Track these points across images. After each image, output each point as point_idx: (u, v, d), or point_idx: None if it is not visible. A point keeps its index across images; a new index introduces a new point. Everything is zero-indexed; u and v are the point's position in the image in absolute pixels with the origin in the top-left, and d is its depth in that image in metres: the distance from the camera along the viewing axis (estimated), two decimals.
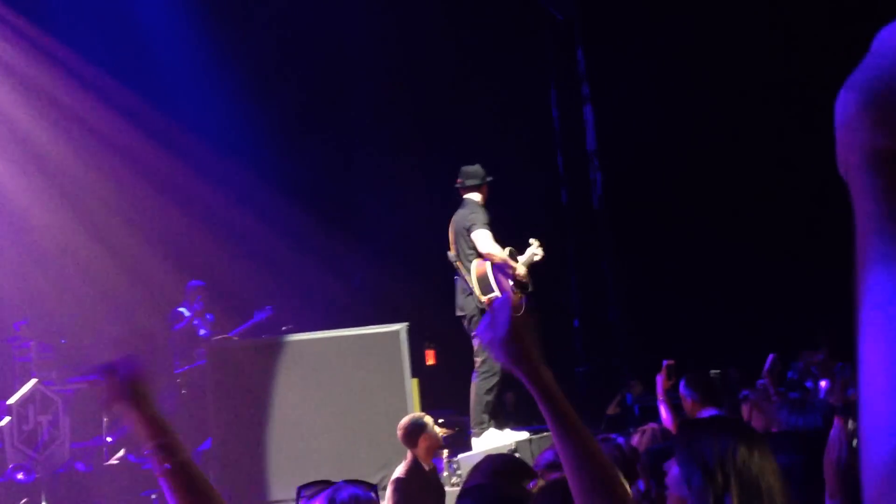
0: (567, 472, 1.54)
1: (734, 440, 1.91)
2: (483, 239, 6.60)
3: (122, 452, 8.11)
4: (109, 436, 8.17)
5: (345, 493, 1.88)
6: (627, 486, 1.61)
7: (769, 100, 11.17)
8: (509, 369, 1.63)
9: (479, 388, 6.73)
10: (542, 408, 1.57)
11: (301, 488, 2.00)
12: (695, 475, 1.90)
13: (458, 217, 6.84)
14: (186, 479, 1.71)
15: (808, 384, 6.54)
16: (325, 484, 1.97)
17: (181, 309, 8.91)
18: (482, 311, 6.57)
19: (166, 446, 1.72)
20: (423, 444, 5.40)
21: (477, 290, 6.57)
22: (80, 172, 9.96)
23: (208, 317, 9.04)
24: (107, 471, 7.82)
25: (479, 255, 6.62)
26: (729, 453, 1.88)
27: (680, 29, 11.07)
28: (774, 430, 3.80)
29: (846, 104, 0.57)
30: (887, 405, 0.51)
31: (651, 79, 11.13)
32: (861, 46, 0.59)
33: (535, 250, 6.96)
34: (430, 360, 8.98)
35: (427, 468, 5.40)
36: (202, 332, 8.83)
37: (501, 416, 7.02)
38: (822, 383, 5.68)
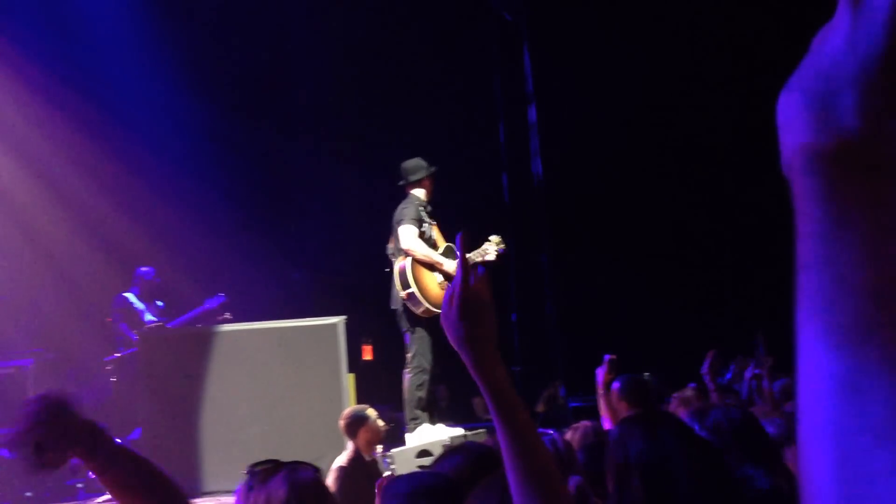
0: (507, 467, 1.50)
1: (644, 430, 1.94)
2: (405, 235, 6.62)
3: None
4: None
5: (303, 474, 1.85)
6: (566, 487, 1.59)
7: (714, 99, 11.37)
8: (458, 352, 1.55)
9: (411, 383, 6.76)
10: (486, 398, 1.50)
11: (251, 466, 1.97)
12: (611, 467, 1.93)
13: (396, 212, 6.86)
14: (121, 473, 1.65)
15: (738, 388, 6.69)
16: (274, 463, 1.94)
17: (126, 294, 8.74)
18: (404, 305, 6.63)
19: (88, 452, 1.63)
20: (363, 435, 5.43)
21: (397, 285, 6.61)
22: (8, 160, 9.69)
23: (158, 304, 8.88)
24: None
25: (403, 251, 6.66)
26: (638, 444, 1.91)
27: (628, 30, 11.21)
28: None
29: (786, 105, 0.57)
30: (826, 327, 0.52)
31: (596, 77, 11.25)
32: (804, 48, 0.60)
33: (488, 248, 6.98)
34: (367, 355, 8.96)
35: (368, 459, 5.43)
36: (147, 318, 8.67)
37: (435, 412, 7.04)
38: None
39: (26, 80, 9.63)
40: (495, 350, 1.54)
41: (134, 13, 10.49)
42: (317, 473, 1.92)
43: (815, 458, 0.50)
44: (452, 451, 3.04)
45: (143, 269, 8.88)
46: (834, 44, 0.55)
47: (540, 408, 11.00)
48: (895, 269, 0.50)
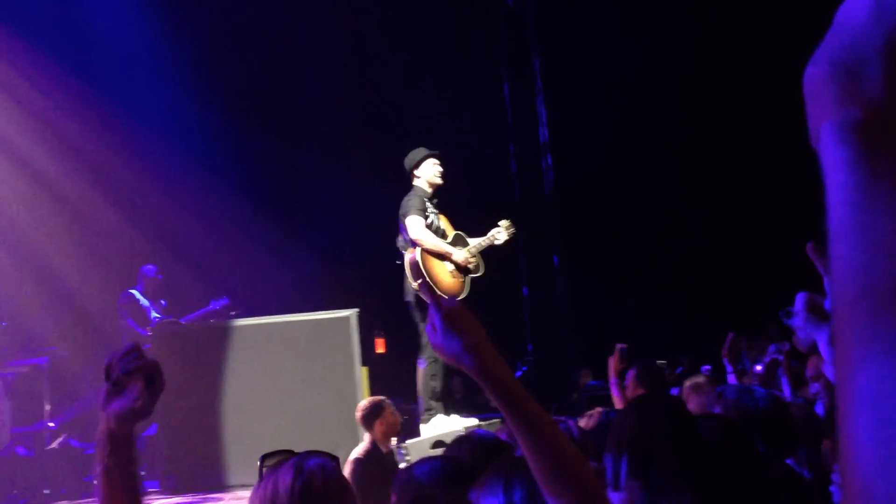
0: (531, 461, 1.50)
1: (639, 410, 1.95)
2: (413, 226, 6.63)
3: (63, 437, 7.97)
4: (51, 421, 8.02)
5: (312, 462, 1.86)
6: (596, 475, 1.59)
7: (721, 91, 11.32)
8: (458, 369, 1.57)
9: (425, 374, 6.76)
10: (496, 401, 1.51)
11: (263, 457, 1.97)
12: (610, 449, 1.94)
13: (401, 205, 6.86)
14: (122, 483, 1.66)
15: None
16: (288, 453, 1.95)
17: (132, 291, 8.78)
18: (417, 297, 6.64)
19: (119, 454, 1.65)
20: (379, 427, 5.44)
21: (409, 276, 6.62)
22: (22, 157, 9.74)
23: (161, 302, 8.92)
24: (48, 456, 7.68)
25: (413, 242, 6.66)
26: (632, 426, 1.93)
27: (634, 17, 11.16)
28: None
29: (812, 78, 0.58)
30: (861, 292, 0.52)
31: (604, 68, 11.21)
32: (826, 23, 0.60)
33: (497, 233, 6.99)
34: (380, 348, 8.96)
35: (384, 451, 5.44)
36: (153, 315, 8.71)
37: (450, 402, 7.04)
38: (758, 367, 5.82)
39: (33, 82, 9.67)
40: (493, 352, 1.56)
41: (141, 19, 10.52)
42: (331, 461, 1.92)
43: (854, 422, 0.51)
44: (460, 439, 3.08)
45: (147, 266, 8.91)
46: (858, 14, 0.56)
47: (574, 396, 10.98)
48: None
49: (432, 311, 1.58)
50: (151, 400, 1.66)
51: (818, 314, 2.32)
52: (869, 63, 0.54)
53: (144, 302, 8.71)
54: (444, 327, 1.55)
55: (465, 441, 2.98)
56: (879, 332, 0.51)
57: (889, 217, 0.52)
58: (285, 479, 1.82)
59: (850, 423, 0.51)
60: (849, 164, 0.54)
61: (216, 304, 8.71)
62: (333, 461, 1.94)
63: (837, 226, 0.54)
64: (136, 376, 1.65)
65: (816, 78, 0.57)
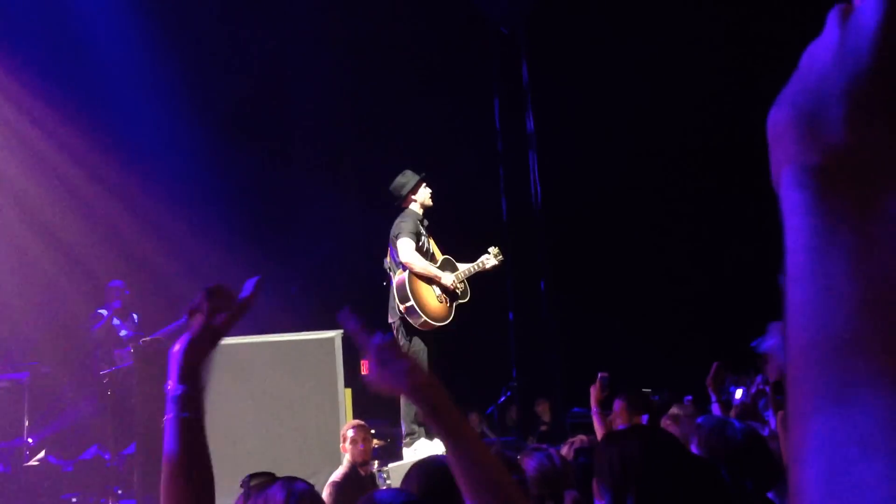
0: (458, 479, 1.58)
1: (640, 445, 1.94)
2: (404, 248, 6.64)
3: (42, 454, 7.88)
4: (30, 436, 7.93)
5: (300, 485, 1.89)
6: (519, 489, 1.66)
7: (715, 114, 11.38)
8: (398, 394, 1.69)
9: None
10: (428, 420, 1.62)
11: (250, 476, 1.98)
12: (603, 480, 1.93)
13: (393, 226, 6.88)
14: (195, 438, 1.64)
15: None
16: (271, 476, 1.97)
17: (101, 310, 8.73)
18: (402, 319, 6.65)
19: (193, 398, 1.67)
20: (358, 451, 5.44)
21: (396, 298, 6.62)
22: (7, 168, 9.70)
23: (132, 316, 8.85)
24: (26, 472, 7.59)
25: (402, 265, 6.67)
26: (633, 457, 1.91)
27: (625, 43, 11.24)
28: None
29: (774, 121, 0.58)
30: (814, 340, 0.52)
31: (595, 93, 11.27)
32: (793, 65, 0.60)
33: (486, 259, 7.01)
34: (366, 370, 8.92)
35: (364, 474, 5.42)
36: (123, 332, 8.65)
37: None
38: (737, 396, 5.82)
39: (25, 98, 9.64)
40: (426, 377, 1.67)
41: (132, 37, 10.54)
42: (311, 487, 1.94)
43: (803, 471, 0.50)
44: (415, 466, 3.08)
45: (114, 282, 8.85)
46: (822, 59, 0.56)
47: (545, 421, 11.00)
48: (882, 281, 0.51)
49: (369, 348, 1.72)
50: (224, 314, 1.77)
51: None
52: (830, 108, 0.55)
53: (114, 321, 8.66)
54: (378, 359, 1.66)
55: (420, 468, 2.98)
56: (831, 380, 0.50)
57: (844, 263, 0.52)
58: (276, 498, 1.84)
59: (799, 472, 0.50)
60: (806, 209, 0.54)
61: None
62: (311, 486, 1.96)
63: (793, 270, 0.54)
64: (201, 304, 1.78)
65: (778, 121, 0.58)
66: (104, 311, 8.73)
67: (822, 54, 0.56)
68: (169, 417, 1.64)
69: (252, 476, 1.98)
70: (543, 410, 11.29)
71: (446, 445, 1.58)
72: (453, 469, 1.59)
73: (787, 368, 0.54)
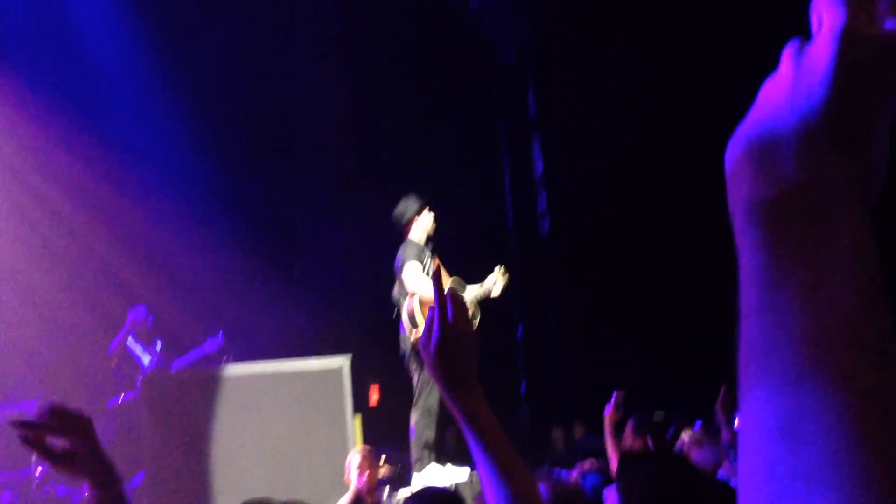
0: (489, 499, 1.45)
1: (666, 473, 1.92)
2: (411, 274, 6.56)
3: (50, 483, 7.85)
4: (39, 466, 7.91)
5: None
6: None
7: (717, 140, 11.38)
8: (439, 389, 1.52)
9: (418, 424, 6.69)
10: (465, 432, 1.48)
11: None
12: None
13: (397, 255, 6.84)
14: None
15: None
16: (269, 502, 1.93)
17: (121, 335, 8.73)
18: (413, 348, 6.55)
19: (100, 484, 1.65)
20: (365, 478, 5.39)
21: (407, 327, 6.56)
22: (18, 192, 9.73)
23: (156, 342, 8.83)
24: (35, 502, 7.56)
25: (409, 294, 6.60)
26: (657, 484, 1.89)
27: (629, 72, 11.27)
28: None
29: (731, 156, 0.58)
30: (764, 373, 0.52)
31: (601, 119, 11.30)
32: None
33: (493, 280, 6.87)
34: (375, 394, 8.90)
35: (369, 502, 5.37)
36: (148, 358, 8.63)
37: (443, 453, 6.96)
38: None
39: (28, 122, 9.68)
40: (474, 384, 1.52)
41: (137, 62, 10.59)
42: None
43: (749, 500, 0.51)
44: (413, 497, 3.04)
45: (136, 308, 8.83)
46: (777, 95, 0.57)
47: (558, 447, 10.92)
48: (830, 315, 0.51)
49: (434, 317, 1.53)
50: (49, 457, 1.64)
51: None
52: (783, 144, 0.55)
53: (137, 348, 8.64)
54: (438, 342, 1.50)
55: (416, 499, 2.95)
56: (780, 413, 0.51)
57: (794, 298, 0.52)
58: None
59: (745, 500, 0.51)
60: (759, 245, 0.55)
61: (211, 346, 8.63)
62: None
63: (746, 306, 0.55)
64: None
65: (734, 158, 0.58)
66: (129, 339, 8.71)
67: (776, 90, 0.57)
68: None
69: (247, 503, 1.94)
70: (558, 437, 11.18)
71: (482, 461, 1.45)
72: (486, 489, 1.46)
73: (740, 401, 0.54)
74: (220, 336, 8.62)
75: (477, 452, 1.46)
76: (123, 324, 8.78)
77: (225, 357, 8.38)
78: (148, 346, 8.73)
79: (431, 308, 1.52)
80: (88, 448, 1.64)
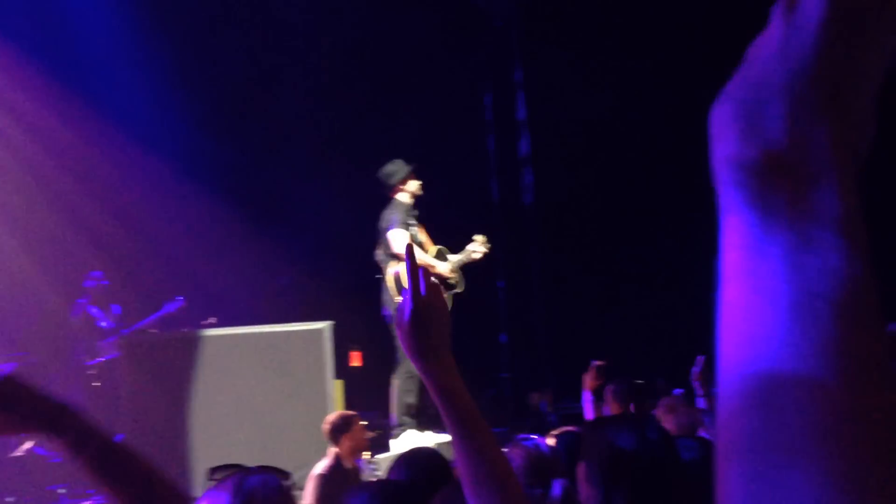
0: (464, 474, 1.51)
1: (633, 435, 1.93)
2: (397, 239, 6.59)
3: (28, 444, 7.84)
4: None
5: (253, 480, 1.77)
6: (521, 488, 1.59)
7: (703, 108, 11.36)
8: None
9: (400, 389, 6.72)
10: (439, 407, 1.52)
11: (211, 470, 1.90)
12: (593, 468, 1.91)
13: (381, 218, 6.84)
14: (110, 466, 1.61)
15: None
16: (237, 468, 1.87)
17: (80, 301, 8.72)
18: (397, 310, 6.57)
19: (72, 439, 1.60)
20: (346, 442, 5.38)
21: (392, 291, 6.58)
22: None
23: (113, 308, 8.80)
24: (12, 463, 7.55)
25: (396, 256, 6.63)
26: (624, 447, 1.90)
27: (618, 34, 11.22)
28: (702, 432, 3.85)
29: (718, 116, 0.57)
30: (743, 340, 0.51)
31: (587, 86, 11.25)
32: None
33: (474, 248, 6.98)
34: (356, 361, 8.90)
35: (348, 466, 5.37)
36: (103, 323, 8.60)
37: (424, 419, 6.99)
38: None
39: (15, 88, 9.56)
40: (447, 357, 1.56)
41: (121, 25, 10.46)
42: (277, 479, 1.83)
43: (727, 474, 0.49)
44: (402, 459, 3.04)
45: (92, 273, 8.81)
46: (765, 54, 0.56)
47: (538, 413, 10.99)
48: (815, 280, 0.50)
49: (407, 292, 1.58)
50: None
51: None
52: (771, 103, 0.54)
53: (92, 310, 8.62)
54: (411, 317, 1.55)
55: (406, 461, 2.95)
56: (757, 383, 0.49)
57: (777, 262, 0.51)
58: (222, 499, 1.74)
59: (724, 472, 0.50)
60: (743, 206, 0.53)
61: (171, 307, 8.62)
62: (282, 477, 1.86)
63: (727, 269, 0.53)
64: None
65: (720, 116, 0.56)
66: (83, 301, 8.70)
67: (765, 49, 0.56)
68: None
69: (215, 469, 1.89)
70: (536, 402, 11.29)
71: (455, 432, 1.50)
72: (458, 458, 1.52)
73: (718, 367, 0.53)
74: (179, 300, 8.61)
75: (449, 425, 1.51)
76: (83, 290, 8.76)
77: (206, 320, 8.36)
78: (105, 310, 8.70)
79: (445, 281, 1.58)
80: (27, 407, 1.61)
